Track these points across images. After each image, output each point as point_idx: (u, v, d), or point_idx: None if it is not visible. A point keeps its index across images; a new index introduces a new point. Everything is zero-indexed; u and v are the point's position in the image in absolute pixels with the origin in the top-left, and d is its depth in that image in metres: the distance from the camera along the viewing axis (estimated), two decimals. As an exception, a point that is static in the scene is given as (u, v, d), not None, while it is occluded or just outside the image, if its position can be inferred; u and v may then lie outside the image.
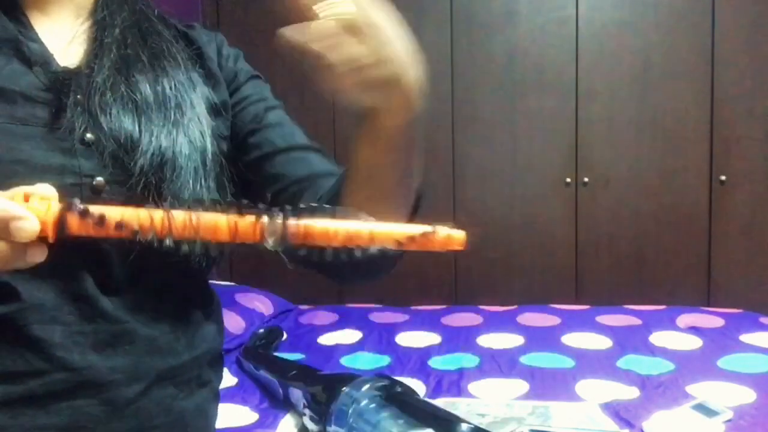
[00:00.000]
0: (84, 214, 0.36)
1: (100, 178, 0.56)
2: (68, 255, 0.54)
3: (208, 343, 0.67)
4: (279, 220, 0.37)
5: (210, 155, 0.62)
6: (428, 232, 0.40)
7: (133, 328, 0.58)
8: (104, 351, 0.56)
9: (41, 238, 0.38)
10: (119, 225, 0.36)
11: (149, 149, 0.57)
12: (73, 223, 0.37)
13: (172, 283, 0.62)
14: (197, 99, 0.64)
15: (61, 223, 0.37)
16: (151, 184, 0.57)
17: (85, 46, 0.62)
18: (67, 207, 0.37)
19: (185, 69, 0.65)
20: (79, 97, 0.57)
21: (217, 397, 0.71)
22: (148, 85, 0.60)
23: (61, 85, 0.57)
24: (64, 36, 0.62)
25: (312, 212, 0.38)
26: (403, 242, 0.39)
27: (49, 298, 0.54)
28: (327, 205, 0.40)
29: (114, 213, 0.37)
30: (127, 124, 0.57)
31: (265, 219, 0.37)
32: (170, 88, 0.61)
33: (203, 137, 0.62)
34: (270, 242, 0.37)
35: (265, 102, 0.73)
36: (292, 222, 0.37)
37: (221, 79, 0.70)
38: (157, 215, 0.37)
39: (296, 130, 0.73)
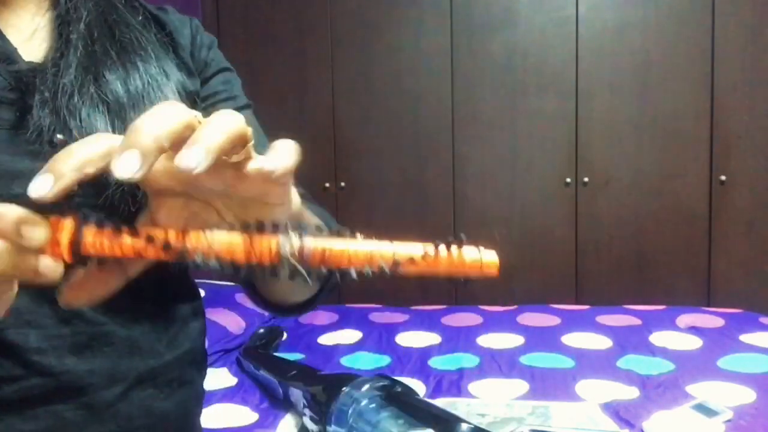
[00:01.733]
0: (100, 225, 0.35)
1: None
2: None
3: (191, 342, 0.65)
4: (296, 240, 0.35)
5: None
6: (453, 258, 0.37)
7: (112, 329, 0.56)
8: (82, 354, 0.55)
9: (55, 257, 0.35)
10: (133, 234, 0.35)
11: None
12: (89, 237, 0.34)
13: (151, 282, 0.60)
14: (171, 93, 0.60)
15: (76, 238, 0.34)
16: (126, 191, 0.54)
17: (48, 40, 0.58)
18: (82, 221, 0.35)
19: (157, 59, 0.61)
20: (46, 94, 0.53)
21: (200, 396, 0.70)
22: (119, 84, 0.57)
23: (26, 84, 0.54)
24: (24, 29, 0.58)
25: (327, 233, 0.37)
26: (431, 259, 0.37)
27: (23, 302, 0.52)
28: (341, 227, 0.38)
29: (127, 227, 0.35)
30: (100, 127, 0.54)
31: (281, 238, 0.36)
32: (143, 85, 0.58)
33: None
34: (285, 261, 0.35)
35: (234, 101, 0.69)
36: (309, 241, 0.36)
37: (193, 69, 0.67)
38: (171, 232, 0.35)
39: (263, 140, 0.68)
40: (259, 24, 2.94)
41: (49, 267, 0.34)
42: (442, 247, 0.37)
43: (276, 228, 0.36)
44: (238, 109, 0.68)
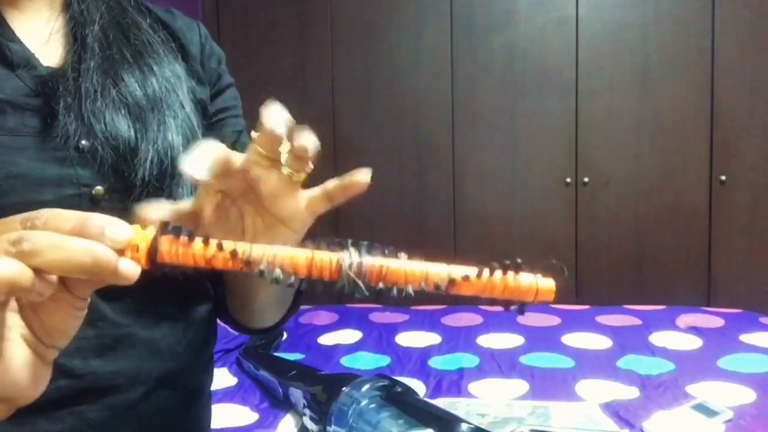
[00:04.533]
0: (176, 232, 0.37)
1: (99, 187, 0.54)
2: None
3: (207, 345, 0.66)
4: (356, 257, 0.37)
5: None
6: (508, 281, 0.38)
7: (135, 331, 0.57)
8: (106, 355, 0.55)
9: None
10: (206, 242, 0.37)
11: (148, 157, 0.55)
12: (165, 245, 0.36)
13: (171, 284, 0.60)
14: (185, 95, 0.62)
15: (154, 245, 0.36)
16: (151, 193, 0.55)
17: (63, 43, 0.58)
18: (162, 230, 0.37)
19: (169, 62, 0.62)
20: (69, 100, 0.54)
21: (210, 397, 0.71)
22: (137, 87, 0.58)
23: (49, 89, 0.54)
24: (40, 33, 0.58)
25: (381, 251, 0.38)
26: (487, 283, 0.38)
27: None
28: (391, 250, 0.40)
29: (199, 239, 0.38)
30: (123, 130, 0.55)
31: (343, 254, 0.37)
32: (159, 88, 0.59)
33: (195, 138, 0.60)
34: (345, 276, 0.37)
35: (241, 119, 0.72)
36: (369, 258, 0.37)
37: (203, 78, 0.67)
38: (241, 244, 0.37)
39: None
40: (259, 24, 2.94)
41: (128, 268, 0.35)
42: (498, 270, 0.38)
43: (337, 245, 0.38)
44: (242, 131, 0.71)
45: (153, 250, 0.36)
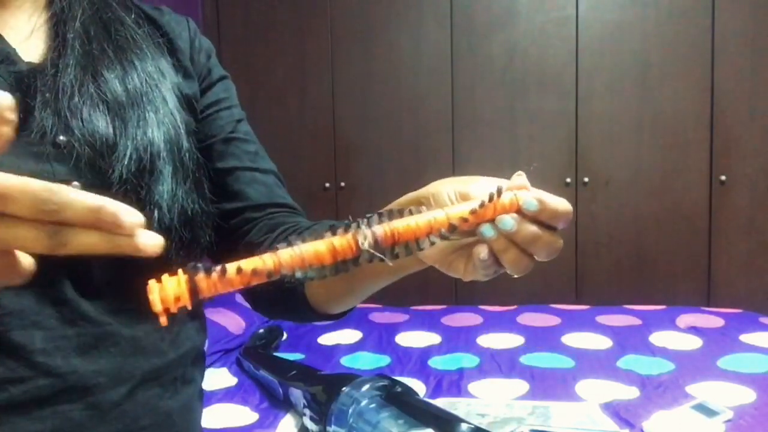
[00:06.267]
0: (208, 271, 0.38)
1: (76, 183, 0.53)
2: (46, 260, 0.53)
3: (192, 341, 0.66)
4: (367, 229, 0.42)
5: (186, 153, 0.60)
6: (496, 204, 0.43)
7: (117, 329, 0.57)
8: (88, 354, 0.55)
9: (174, 307, 0.38)
10: (239, 270, 0.39)
11: (126, 153, 0.55)
12: (202, 284, 0.38)
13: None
14: (168, 91, 0.61)
15: (193, 288, 0.38)
16: (129, 190, 0.55)
17: (45, 39, 0.58)
18: (193, 272, 0.38)
19: (153, 58, 0.62)
20: (47, 95, 0.53)
21: (201, 394, 0.70)
22: (117, 83, 0.57)
23: (27, 85, 0.54)
24: (22, 29, 0.58)
25: (388, 216, 0.42)
26: (479, 212, 0.43)
27: (28, 304, 0.52)
28: (395, 209, 0.43)
29: (230, 265, 0.39)
30: (101, 127, 0.54)
31: (357, 233, 0.41)
32: (140, 83, 0.59)
33: (177, 134, 0.60)
34: (365, 252, 0.41)
35: (237, 109, 0.71)
36: (378, 227, 0.41)
37: (193, 73, 0.67)
38: (267, 257, 0.39)
39: (261, 149, 0.72)
40: (259, 24, 2.94)
41: (149, 243, 0.36)
42: (487, 200, 0.43)
43: (348, 226, 0.41)
44: (240, 119, 0.71)
45: (193, 291, 0.38)
